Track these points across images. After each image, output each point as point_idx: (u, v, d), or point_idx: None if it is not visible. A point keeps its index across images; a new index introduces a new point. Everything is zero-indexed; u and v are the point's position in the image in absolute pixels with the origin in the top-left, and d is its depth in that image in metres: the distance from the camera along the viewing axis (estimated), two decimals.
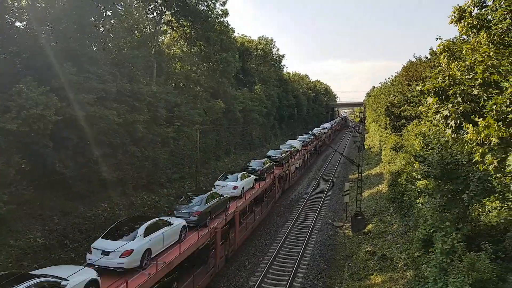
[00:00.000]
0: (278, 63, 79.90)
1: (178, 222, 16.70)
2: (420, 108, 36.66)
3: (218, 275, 20.20)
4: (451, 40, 11.84)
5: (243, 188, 25.07)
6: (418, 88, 9.48)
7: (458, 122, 8.06)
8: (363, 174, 36.24)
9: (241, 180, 25.07)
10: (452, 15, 11.16)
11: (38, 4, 23.42)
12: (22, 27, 22.00)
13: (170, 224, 16.06)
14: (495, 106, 6.91)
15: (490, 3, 10.74)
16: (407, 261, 18.62)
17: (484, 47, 8.82)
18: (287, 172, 38.76)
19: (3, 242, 15.96)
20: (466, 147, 14.35)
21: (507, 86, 7.03)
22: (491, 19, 10.42)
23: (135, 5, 36.19)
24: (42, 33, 22.15)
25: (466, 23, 10.70)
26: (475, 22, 10.51)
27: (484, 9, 10.85)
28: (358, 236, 26.32)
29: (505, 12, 9.51)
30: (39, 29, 21.81)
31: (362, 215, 28.58)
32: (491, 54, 7.79)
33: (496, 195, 13.32)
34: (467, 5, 10.86)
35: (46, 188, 19.27)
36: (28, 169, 17.64)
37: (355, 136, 65.00)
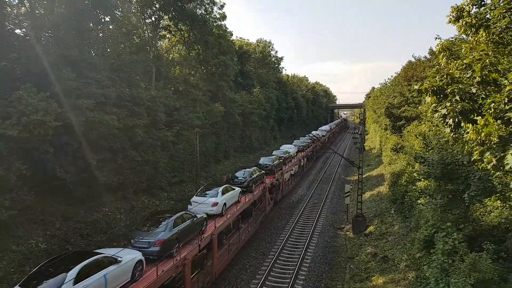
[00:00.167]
0: (276, 65, 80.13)
1: (130, 258, 13.01)
2: (420, 108, 36.75)
3: (219, 278, 20.14)
4: (450, 39, 11.84)
5: (224, 204, 21.85)
6: (416, 87, 9.48)
7: (457, 120, 8.06)
8: (363, 176, 36.21)
9: (222, 194, 21.89)
10: (450, 15, 11.13)
11: (37, 11, 23.56)
12: (22, 34, 22.12)
13: (116, 261, 12.26)
14: (493, 104, 6.92)
15: (488, 1, 10.71)
16: (408, 262, 18.58)
17: (482, 45, 8.82)
18: (280, 180, 35.81)
19: (5, 247, 15.99)
20: (466, 147, 14.34)
21: (506, 84, 7.04)
22: (490, 17, 10.40)
23: (133, 11, 36.37)
24: (42, 40, 22.28)
25: (464, 22, 10.67)
26: (474, 21, 10.48)
27: (482, 8, 10.81)
28: (359, 237, 26.25)
29: (504, 11, 9.49)
30: (39, 36, 21.93)
31: (363, 216, 28.52)
32: (489, 52, 7.80)
33: (498, 194, 13.32)
34: (466, 4, 10.82)
35: (47, 193, 19.32)
36: (29, 175, 17.69)
37: (355, 137, 65.00)
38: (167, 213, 17.28)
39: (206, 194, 21.94)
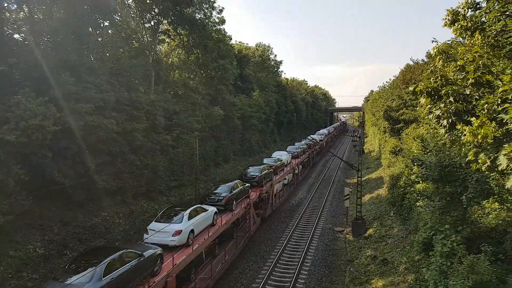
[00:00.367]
0: (276, 69, 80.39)
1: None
2: (418, 110, 36.80)
3: (219, 282, 20.08)
4: (447, 42, 11.87)
5: (191, 231, 17.33)
6: (411, 88, 9.53)
7: (451, 121, 8.11)
8: (363, 178, 36.20)
9: (188, 219, 17.42)
10: (446, 18, 11.16)
11: (36, 16, 23.66)
12: (21, 39, 22.18)
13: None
14: (486, 105, 6.97)
15: (484, 4, 10.77)
16: (408, 264, 18.56)
17: (475, 47, 8.86)
18: (270, 193, 31.72)
19: (2, 252, 15.91)
20: (463, 149, 14.35)
21: (499, 85, 7.08)
22: (485, 21, 10.45)
23: (132, 15, 36.52)
24: (41, 44, 22.35)
25: (460, 25, 10.71)
26: (469, 24, 10.52)
27: (478, 11, 10.86)
28: (359, 240, 26.22)
29: (499, 14, 9.56)
30: (38, 41, 22.00)
31: (363, 219, 28.50)
32: (482, 54, 7.84)
33: (495, 196, 13.32)
34: (461, 7, 10.86)
35: (46, 198, 19.27)
36: (27, 180, 17.64)
37: (355, 140, 65.08)
38: (99, 253, 12.81)
39: (171, 217, 17.58)
